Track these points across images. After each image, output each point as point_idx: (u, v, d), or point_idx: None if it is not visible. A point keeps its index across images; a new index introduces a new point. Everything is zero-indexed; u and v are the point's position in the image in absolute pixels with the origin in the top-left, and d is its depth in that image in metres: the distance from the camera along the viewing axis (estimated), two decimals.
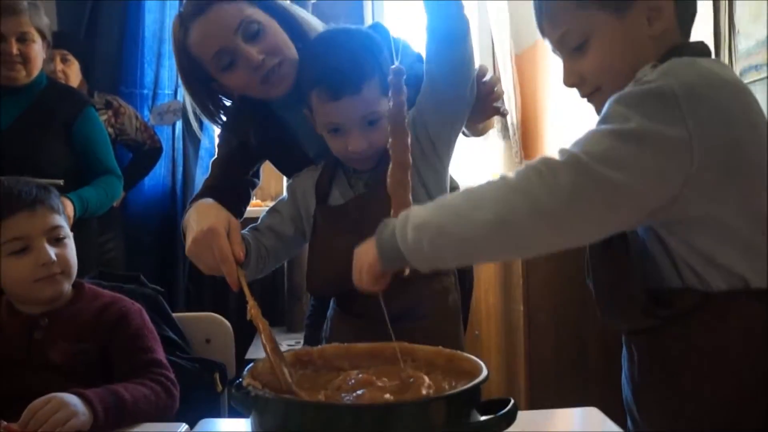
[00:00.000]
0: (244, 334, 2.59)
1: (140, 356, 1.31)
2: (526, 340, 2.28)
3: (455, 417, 0.80)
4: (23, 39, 2.14)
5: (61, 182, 2.05)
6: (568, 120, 3.12)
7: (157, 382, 1.26)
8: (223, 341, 1.69)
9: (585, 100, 1.05)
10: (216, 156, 1.49)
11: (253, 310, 1.05)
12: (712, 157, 0.83)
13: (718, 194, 0.86)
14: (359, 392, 0.86)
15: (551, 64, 3.27)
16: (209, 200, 1.30)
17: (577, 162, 0.81)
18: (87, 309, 1.34)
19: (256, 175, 1.52)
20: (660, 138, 0.82)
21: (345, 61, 1.19)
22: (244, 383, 0.87)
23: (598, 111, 1.00)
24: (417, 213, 0.92)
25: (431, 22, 1.14)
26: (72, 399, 1.11)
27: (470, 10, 1.40)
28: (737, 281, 0.88)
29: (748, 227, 0.87)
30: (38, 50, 2.20)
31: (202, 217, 1.21)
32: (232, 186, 1.44)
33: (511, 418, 0.82)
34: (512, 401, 0.83)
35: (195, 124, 1.50)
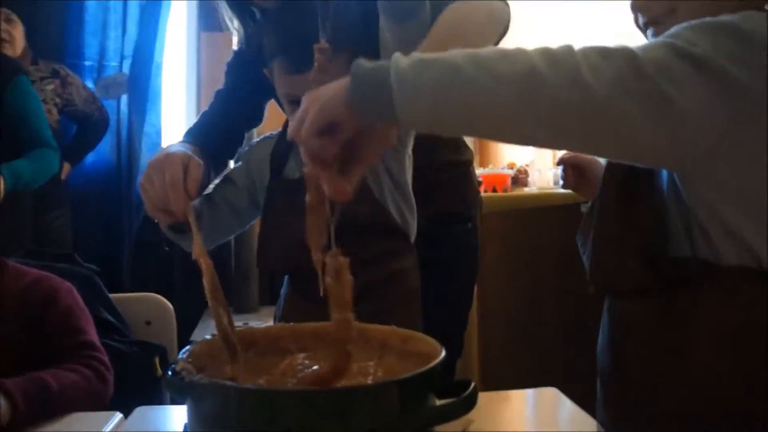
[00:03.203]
0: (188, 315, 2.50)
1: (70, 338, 1.22)
2: (478, 319, 2.25)
3: (412, 402, 0.74)
4: None
5: None
6: None
7: (89, 366, 1.17)
8: (165, 323, 1.61)
9: (644, 30, 0.96)
10: (223, 85, 1.40)
11: (197, 248, 0.95)
12: (763, 119, 0.77)
13: (756, 162, 0.80)
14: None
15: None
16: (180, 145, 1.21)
17: (632, 56, 0.73)
18: (9, 288, 1.24)
19: (261, 115, 1.42)
20: (722, 72, 0.74)
21: (313, 32, 1.06)
22: (178, 368, 0.79)
23: None
24: (420, 52, 0.75)
25: (382, 1, 1.06)
26: None
27: None
28: (750, 259, 0.83)
29: None
30: None
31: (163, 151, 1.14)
32: (227, 127, 1.35)
33: (471, 401, 0.76)
34: (473, 384, 0.77)
35: (226, 20, 1.34)
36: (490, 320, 2.26)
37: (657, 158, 0.81)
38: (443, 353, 0.80)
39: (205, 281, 0.91)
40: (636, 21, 0.98)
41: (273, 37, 1.17)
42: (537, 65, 0.72)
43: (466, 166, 1.50)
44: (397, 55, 0.74)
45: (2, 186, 1.94)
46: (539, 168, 2.84)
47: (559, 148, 0.92)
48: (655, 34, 0.94)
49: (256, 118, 1.43)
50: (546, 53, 0.73)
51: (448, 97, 0.73)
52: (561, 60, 0.73)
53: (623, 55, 0.73)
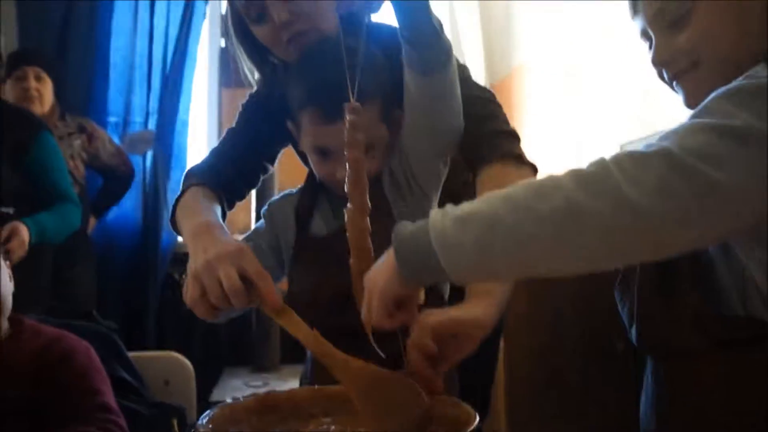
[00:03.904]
0: (207, 375, 2.45)
1: (86, 400, 1.18)
2: (504, 379, 2.18)
3: None
4: None
5: (11, 211, 1.92)
6: (542, 151, 3.07)
7: (104, 429, 1.13)
8: (184, 383, 1.57)
9: (671, 84, 0.93)
10: (235, 124, 1.33)
11: (313, 340, 0.89)
12: None
13: None
14: None
15: (526, 95, 3.25)
16: (213, 219, 1.13)
17: (669, 154, 0.69)
18: (26, 347, 1.21)
19: (273, 160, 1.37)
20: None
21: (342, 82, 1.01)
22: None
23: (688, 95, 0.91)
24: (457, 207, 0.75)
25: (407, 53, 1.02)
26: None
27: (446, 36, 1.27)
28: None
29: None
30: None
31: (214, 240, 1.04)
32: (238, 166, 1.30)
33: None
34: None
35: (247, 72, 1.31)
36: (516, 382, 2.19)
37: (716, 240, 0.77)
38: (477, 419, 0.76)
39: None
40: (660, 75, 0.95)
41: (301, 87, 1.13)
42: (574, 196, 0.69)
43: None
44: (434, 216, 0.75)
45: (28, 236, 1.93)
46: None
47: (619, 265, 0.89)
48: (682, 87, 0.92)
49: (270, 161, 1.37)
50: (580, 178, 0.70)
51: (495, 251, 0.72)
52: (597, 182, 0.69)
53: (660, 156, 0.69)
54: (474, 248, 0.72)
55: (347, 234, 0.90)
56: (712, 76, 0.87)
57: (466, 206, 0.75)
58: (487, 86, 3.33)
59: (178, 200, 1.22)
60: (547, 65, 3.07)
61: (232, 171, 1.28)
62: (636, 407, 1.00)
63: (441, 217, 0.75)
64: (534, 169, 1.17)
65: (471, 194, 1.45)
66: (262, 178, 1.37)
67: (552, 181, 0.72)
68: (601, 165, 0.71)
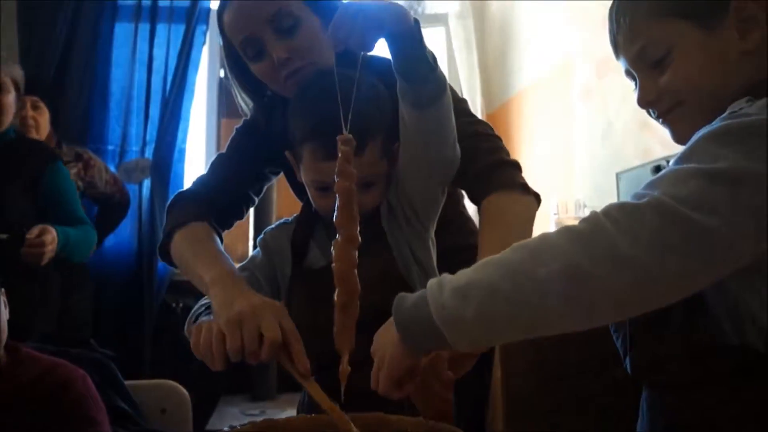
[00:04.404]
0: (204, 403, 2.43)
1: (82, 428, 1.17)
2: (503, 414, 2.17)
3: None
4: None
5: (5, 237, 1.92)
6: (540, 180, 3.09)
7: None
8: (180, 411, 1.56)
9: (658, 120, 0.94)
10: (226, 150, 1.33)
11: (335, 412, 0.86)
12: None
13: None
14: None
15: (523, 123, 3.28)
16: (234, 269, 1.12)
17: (660, 205, 0.69)
18: (23, 374, 1.21)
19: (260, 191, 1.37)
20: (758, 177, 0.70)
21: (353, 117, 1.00)
22: None
23: (676, 133, 0.92)
24: (454, 277, 0.76)
25: (401, 87, 1.03)
26: None
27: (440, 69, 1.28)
28: None
29: None
30: (11, 101, 2.11)
31: (248, 292, 1.03)
32: (226, 194, 1.29)
33: None
34: None
35: (242, 104, 1.31)
36: (517, 414, 2.18)
37: (720, 277, 0.76)
38: None
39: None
40: (648, 112, 0.96)
41: (302, 122, 1.12)
42: (571, 259, 0.69)
43: (474, 250, 1.47)
44: (432, 288, 0.76)
45: (56, 236, 1.95)
46: None
47: (622, 318, 0.89)
48: (669, 125, 0.93)
49: (256, 193, 1.36)
50: (574, 237, 0.71)
51: (497, 320, 0.72)
52: (592, 241, 0.70)
53: (652, 208, 0.69)
54: (476, 320, 0.72)
55: (333, 265, 0.88)
56: (697, 114, 0.88)
57: (462, 276, 0.75)
58: (484, 115, 3.39)
59: (170, 234, 1.20)
60: (543, 94, 3.11)
61: (221, 203, 1.27)
62: None
63: (438, 288, 0.75)
64: (537, 198, 1.18)
65: (465, 222, 1.46)
66: (247, 211, 1.36)
67: (545, 242, 0.72)
68: (593, 222, 0.71)
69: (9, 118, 2.11)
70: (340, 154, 0.93)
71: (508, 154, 1.22)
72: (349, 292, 0.87)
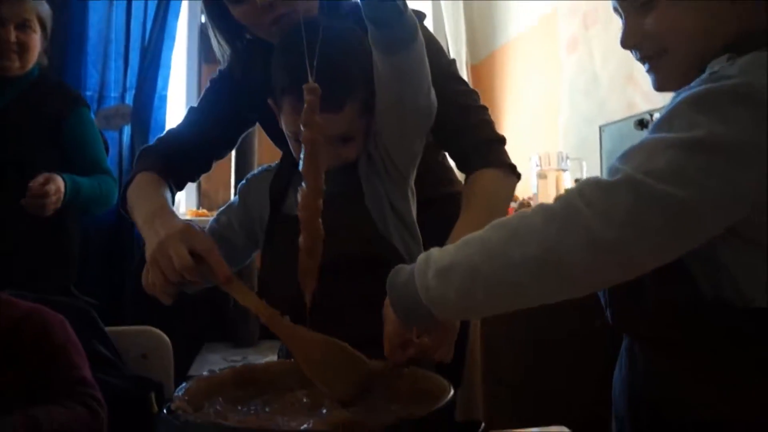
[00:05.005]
0: (186, 350, 2.45)
1: (62, 373, 1.18)
2: (483, 356, 2.20)
3: None
4: (24, 26, 1.99)
5: None
6: (524, 131, 3.08)
7: (82, 402, 1.13)
8: (162, 357, 1.57)
9: (643, 63, 0.94)
10: (198, 103, 1.34)
11: (262, 308, 0.95)
12: None
13: None
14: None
15: (508, 75, 3.26)
16: (163, 204, 1.17)
17: (633, 181, 0.70)
18: (1, 322, 1.20)
19: (233, 143, 1.39)
20: (737, 144, 0.70)
21: (330, 72, 1.00)
22: (174, 406, 0.75)
23: (658, 82, 0.92)
24: (439, 256, 0.80)
25: (371, 32, 1.02)
26: None
27: (425, 21, 1.27)
28: None
29: None
30: (37, 40, 2.04)
31: (164, 223, 1.09)
32: (191, 147, 1.31)
33: None
34: (482, 424, 0.74)
35: (216, 46, 1.30)
36: (494, 356, 2.21)
37: (696, 246, 0.76)
38: (452, 392, 0.77)
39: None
40: (632, 54, 0.96)
41: (283, 72, 1.11)
42: (547, 241, 0.72)
43: (459, 198, 1.48)
44: (420, 266, 0.81)
45: (63, 186, 1.89)
46: (542, 201, 2.82)
47: (597, 290, 0.92)
48: (653, 71, 0.93)
49: (228, 146, 1.38)
50: (549, 217, 0.73)
51: (477, 298, 0.77)
52: (567, 223, 0.72)
53: (627, 186, 0.70)
54: (457, 298, 0.77)
55: (298, 213, 0.91)
56: (680, 63, 0.89)
57: (446, 255, 0.79)
58: (469, 67, 3.35)
59: (127, 185, 1.24)
60: (529, 46, 3.08)
61: (188, 154, 1.29)
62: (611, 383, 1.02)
63: (425, 267, 0.80)
64: (519, 178, 1.27)
65: (444, 171, 1.47)
66: (215, 163, 1.38)
67: (523, 222, 0.75)
68: (568, 201, 0.73)
69: (34, 57, 2.04)
70: (305, 104, 0.92)
71: (494, 128, 1.30)
72: (312, 237, 0.90)
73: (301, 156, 0.92)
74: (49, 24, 2.09)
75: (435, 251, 0.82)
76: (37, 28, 2.03)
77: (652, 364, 0.91)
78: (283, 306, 1.19)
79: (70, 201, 1.96)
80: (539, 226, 0.73)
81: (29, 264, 1.91)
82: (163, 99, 3.27)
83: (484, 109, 1.30)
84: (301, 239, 0.90)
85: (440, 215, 1.27)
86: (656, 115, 1.92)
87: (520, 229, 0.74)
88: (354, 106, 1.09)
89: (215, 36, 1.28)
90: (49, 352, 1.19)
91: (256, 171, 1.28)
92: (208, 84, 1.35)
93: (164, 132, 1.35)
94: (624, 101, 2.35)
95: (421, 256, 0.82)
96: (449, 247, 0.80)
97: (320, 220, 0.90)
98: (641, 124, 2.09)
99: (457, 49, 3.36)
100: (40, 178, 1.86)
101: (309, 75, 0.94)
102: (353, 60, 1.08)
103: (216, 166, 1.39)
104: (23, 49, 1.99)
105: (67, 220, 2.07)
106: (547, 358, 2.18)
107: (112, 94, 3.27)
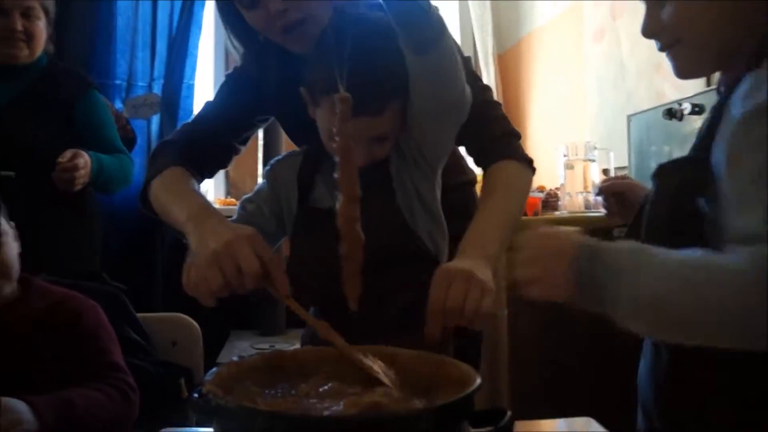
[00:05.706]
0: (215, 337, 2.47)
1: (95, 358, 1.20)
2: (509, 345, 2.20)
3: (447, 430, 0.71)
4: (28, 15, 2.01)
5: (12, 174, 1.90)
6: (551, 121, 3.06)
7: (114, 386, 1.16)
8: (191, 344, 1.59)
9: (664, 54, 0.95)
10: (213, 98, 1.34)
11: (318, 325, 0.94)
12: None
13: None
14: (333, 404, 0.76)
15: (534, 64, 3.23)
16: (209, 204, 1.16)
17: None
18: (35, 307, 1.23)
19: (245, 141, 1.37)
20: None
21: (375, 75, 1.01)
22: (205, 390, 0.77)
23: (678, 68, 0.93)
24: (637, 277, 0.77)
25: (400, 34, 1.01)
26: (18, 405, 1.01)
27: (452, 10, 1.28)
28: None
29: None
30: (42, 28, 2.06)
31: (223, 224, 1.06)
32: (209, 142, 1.30)
33: (507, 431, 0.73)
34: (508, 413, 0.74)
35: (231, 47, 1.30)
36: (521, 347, 2.21)
37: None
38: (478, 380, 0.77)
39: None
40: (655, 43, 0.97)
41: (328, 71, 1.04)
42: (747, 297, 0.70)
43: (471, 187, 1.47)
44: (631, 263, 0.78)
45: (89, 161, 1.92)
46: (569, 192, 2.79)
47: None
48: (672, 58, 0.94)
49: (242, 143, 1.36)
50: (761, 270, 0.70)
51: (659, 326, 0.78)
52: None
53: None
54: (642, 315, 0.77)
55: (338, 223, 0.92)
56: (696, 53, 0.90)
57: (647, 282, 0.77)
58: (495, 56, 3.32)
59: (152, 178, 1.22)
60: (556, 35, 3.05)
61: (203, 150, 1.28)
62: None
63: (629, 293, 0.77)
64: (534, 172, 1.28)
65: (456, 159, 1.47)
66: (231, 159, 1.37)
67: (731, 262, 0.73)
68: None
69: (40, 45, 2.07)
70: (338, 113, 0.93)
71: (509, 122, 1.32)
72: (352, 244, 0.92)
73: (336, 160, 0.94)
74: (52, 11, 2.12)
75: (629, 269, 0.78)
76: (42, 15, 2.06)
77: (676, 352, 0.91)
78: (309, 297, 1.21)
79: (96, 176, 2.00)
80: (744, 275, 0.71)
81: (56, 249, 1.95)
82: (191, 88, 3.30)
83: (499, 104, 1.33)
84: (341, 247, 0.92)
85: (454, 203, 1.28)
86: (685, 105, 1.90)
87: (724, 271, 0.73)
88: (394, 108, 1.08)
89: (229, 37, 1.28)
90: (83, 337, 1.22)
91: (280, 156, 1.28)
92: (224, 79, 1.35)
93: (179, 128, 1.33)
94: (652, 91, 2.32)
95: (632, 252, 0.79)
96: (652, 271, 0.77)
97: (359, 225, 0.92)
98: (670, 113, 2.07)
99: (483, 37, 3.34)
100: (68, 153, 1.89)
101: (339, 82, 0.95)
102: (393, 62, 1.06)
103: (242, 154, 1.40)
104: (30, 37, 2.01)
105: (88, 204, 2.11)
106: (573, 349, 2.18)
107: (140, 84, 3.29)
